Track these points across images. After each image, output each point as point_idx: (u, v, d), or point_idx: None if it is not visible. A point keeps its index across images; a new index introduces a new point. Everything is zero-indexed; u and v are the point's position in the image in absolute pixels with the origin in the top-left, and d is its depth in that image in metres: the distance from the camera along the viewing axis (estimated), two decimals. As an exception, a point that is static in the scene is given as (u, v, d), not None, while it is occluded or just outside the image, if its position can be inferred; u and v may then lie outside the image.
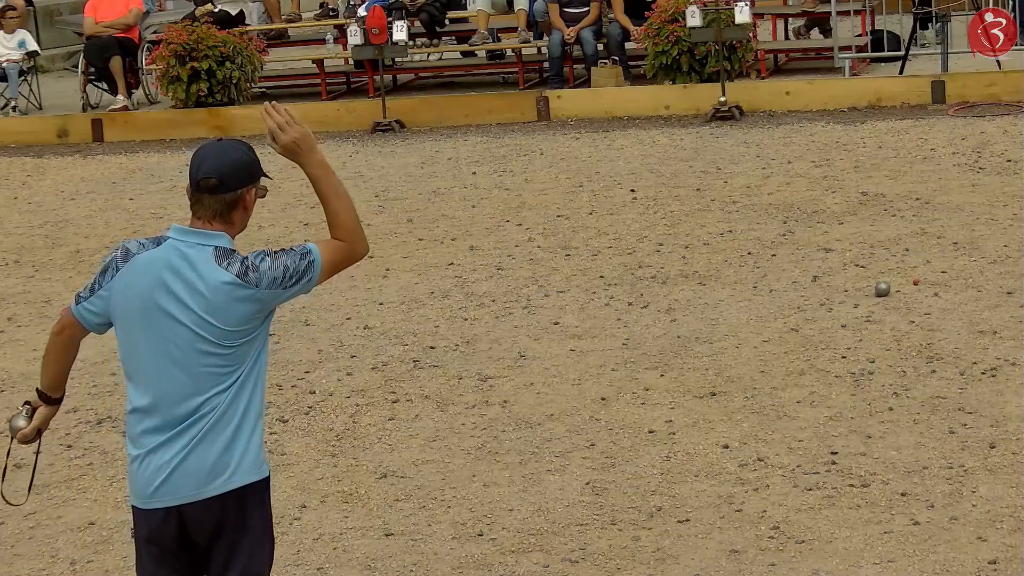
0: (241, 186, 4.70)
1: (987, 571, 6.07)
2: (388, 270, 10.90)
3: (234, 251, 4.70)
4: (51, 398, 4.99)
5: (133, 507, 4.82)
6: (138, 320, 4.69)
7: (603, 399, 8.17)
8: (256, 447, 4.75)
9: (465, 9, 18.38)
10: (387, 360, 9.03)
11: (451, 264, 10.94)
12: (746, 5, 15.03)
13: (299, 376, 8.79)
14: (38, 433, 5.02)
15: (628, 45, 17.06)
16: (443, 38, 18.49)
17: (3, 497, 5.34)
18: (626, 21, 16.86)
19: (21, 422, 4.99)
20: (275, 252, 4.70)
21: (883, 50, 16.69)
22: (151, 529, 4.76)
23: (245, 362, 4.70)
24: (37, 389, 5.00)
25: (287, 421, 8.14)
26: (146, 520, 4.77)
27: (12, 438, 5.01)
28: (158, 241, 4.72)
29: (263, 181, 4.78)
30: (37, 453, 5.30)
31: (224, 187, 4.67)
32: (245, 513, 4.76)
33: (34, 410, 4.99)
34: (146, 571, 4.83)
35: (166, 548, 4.77)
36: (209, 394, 4.67)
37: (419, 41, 18.00)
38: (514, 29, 18.06)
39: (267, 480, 4.82)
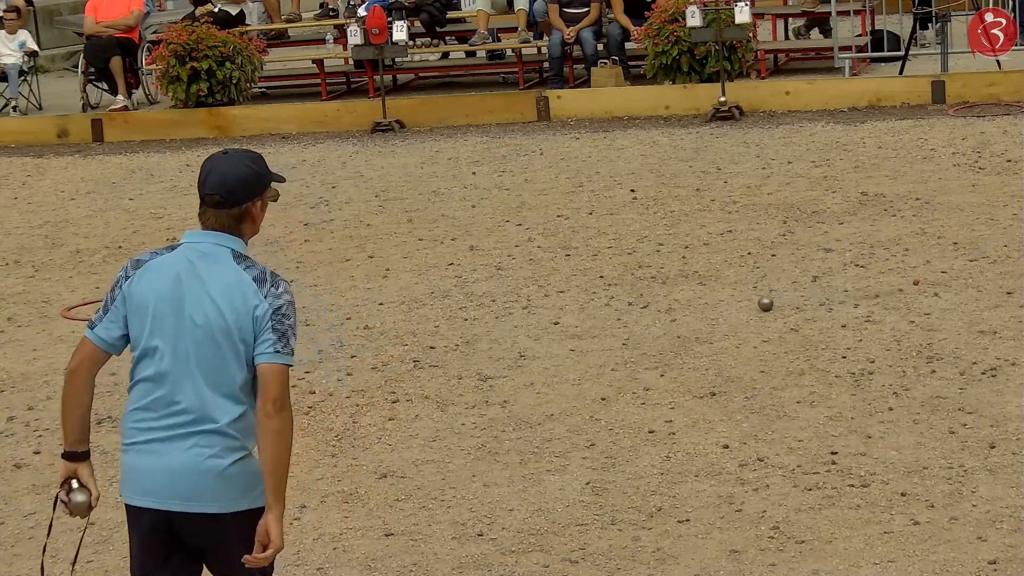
0: (246, 200, 4.65)
1: (987, 571, 6.07)
2: (388, 270, 10.90)
3: (248, 257, 4.66)
4: (78, 453, 4.73)
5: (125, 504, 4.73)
6: (154, 317, 4.61)
7: (603, 399, 8.16)
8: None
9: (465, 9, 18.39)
10: (387, 360, 9.02)
11: (451, 264, 10.93)
12: (746, 5, 15.02)
13: (299, 376, 8.78)
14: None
15: (628, 45, 17.05)
16: (444, 38, 18.50)
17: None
18: (626, 21, 16.85)
19: (81, 496, 4.71)
20: (292, 312, 4.62)
21: (883, 50, 16.68)
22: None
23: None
24: (64, 452, 4.74)
25: (287, 421, 8.13)
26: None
27: (77, 515, 4.76)
28: (172, 248, 4.69)
29: (275, 186, 4.73)
30: (86, 526, 5.13)
31: (228, 203, 4.63)
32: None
33: (78, 480, 4.72)
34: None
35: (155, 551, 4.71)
36: (219, 398, 4.58)
37: (419, 41, 17.99)
38: (514, 29, 18.05)
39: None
